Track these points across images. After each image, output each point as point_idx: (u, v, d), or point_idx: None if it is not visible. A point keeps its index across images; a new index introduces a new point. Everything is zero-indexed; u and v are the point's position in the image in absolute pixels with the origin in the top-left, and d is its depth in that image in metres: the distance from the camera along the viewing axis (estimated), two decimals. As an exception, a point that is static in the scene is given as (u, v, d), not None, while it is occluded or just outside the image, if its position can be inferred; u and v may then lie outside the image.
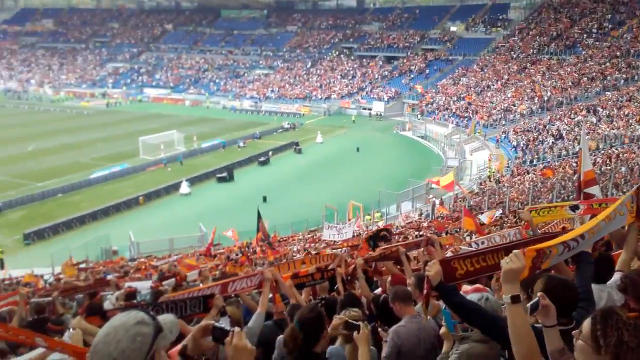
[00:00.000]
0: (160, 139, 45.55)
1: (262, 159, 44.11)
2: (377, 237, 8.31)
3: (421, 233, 18.24)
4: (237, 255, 20.64)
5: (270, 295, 5.08)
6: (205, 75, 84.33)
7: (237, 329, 2.15)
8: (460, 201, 28.88)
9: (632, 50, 50.19)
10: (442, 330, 3.88)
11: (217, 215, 30.40)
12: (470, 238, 13.02)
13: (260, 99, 73.37)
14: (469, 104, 54.91)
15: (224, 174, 39.23)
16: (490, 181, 33.07)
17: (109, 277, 15.70)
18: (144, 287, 11.58)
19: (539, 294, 2.98)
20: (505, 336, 2.73)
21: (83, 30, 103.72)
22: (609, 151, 30.51)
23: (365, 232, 19.15)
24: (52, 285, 16.02)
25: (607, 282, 4.05)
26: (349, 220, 25.69)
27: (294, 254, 18.82)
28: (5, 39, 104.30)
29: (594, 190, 7.95)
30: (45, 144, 47.57)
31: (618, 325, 2.02)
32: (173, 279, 10.12)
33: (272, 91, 74.49)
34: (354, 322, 3.48)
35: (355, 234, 21.84)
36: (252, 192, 35.67)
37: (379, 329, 4.65)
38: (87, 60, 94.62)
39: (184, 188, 35.92)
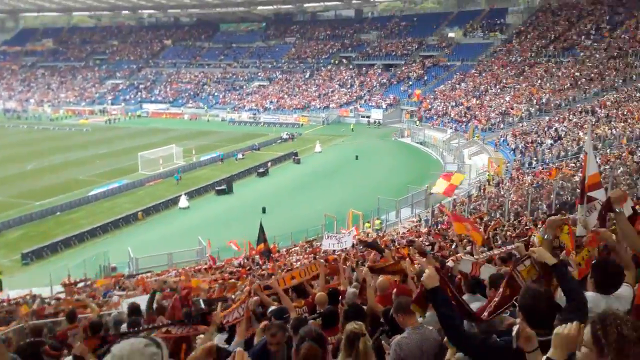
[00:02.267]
0: (159, 153, 45.53)
1: (261, 170, 44.00)
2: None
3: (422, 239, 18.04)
4: (236, 268, 20.50)
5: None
6: (204, 88, 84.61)
7: (239, 349, 2.37)
8: (459, 206, 28.64)
9: (630, 50, 50.04)
10: (445, 338, 3.82)
11: (216, 228, 30.27)
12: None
13: (258, 110, 73.51)
14: (468, 108, 54.81)
15: (223, 187, 39.09)
16: (489, 185, 32.82)
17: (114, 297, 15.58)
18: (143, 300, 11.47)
19: (518, 320, 2.92)
20: (479, 355, 2.88)
21: (83, 48, 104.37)
22: (607, 152, 30.27)
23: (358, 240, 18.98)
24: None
25: (614, 293, 3.81)
26: (349, 229, 25.52)
27: (293, 264, 18.60)
28: (6, 59, 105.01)
29: (598, 194, 7.74)
30: (44, 163, 47.60)
31: (617, 322, 2.07)
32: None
33: (271, 102, 74.61)
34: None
35: (355, 243, 21.67)
36: (251, 203, 35.51)
37: (382, 341, 4.61)
38: (87, 78, 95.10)
39: (183, 202, 35.79)
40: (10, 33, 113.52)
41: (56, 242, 29.25)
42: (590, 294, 3.86)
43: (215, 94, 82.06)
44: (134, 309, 8.12)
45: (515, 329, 3.01)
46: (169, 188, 39.68)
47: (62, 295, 18.47)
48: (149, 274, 22.85)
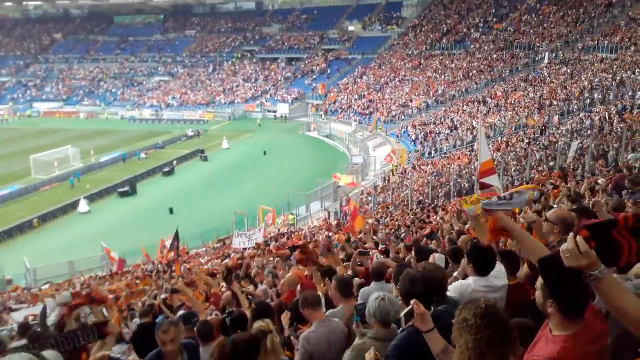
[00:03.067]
0: (54, 155, 42.85)
1: (166, 169, 42.80)
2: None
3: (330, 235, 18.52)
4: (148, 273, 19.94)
5: None
6: (101, 85, 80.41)
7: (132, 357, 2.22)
8: (366, 196, 29.64)
9: (515, 42, 53.86)
10: (354, 326, 4.01)
11: (120, 232, 29.17)
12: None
13: (161, 107, 71.09)
14: (370, 101, 56.49)
15: (126, 188, 37.65)
16: (393, 175, 34.20)
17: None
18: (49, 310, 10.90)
19: (412, 301, 3.06)
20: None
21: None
22: (499, 139, 32.59)
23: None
24: None
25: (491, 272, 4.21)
26: (259, 225, 25.63)
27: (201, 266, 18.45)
28: None
29: (492, 179, 8.18)
30: None
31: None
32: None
33: (174, 98, 72.43)
34: None
35: (268, 238, 21.80)
36: (157, 204, 34.56)
37: (291, 337, 4.69)
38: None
39: (83, 206, 34.05)
40: None
41: (-61, 257, 26.81)
42: (471, 279, 4.31)
43: (113, 90, 78.27)
44: (24, 327, 7.65)
45: (404, 309, 3.07)
46: (66, 192, 37.54)
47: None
48: (46, 286, 21.67)
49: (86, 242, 28.06)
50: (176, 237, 20.50)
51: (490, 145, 30.74)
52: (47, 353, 1.99)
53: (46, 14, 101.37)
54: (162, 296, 9.36)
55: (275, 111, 65.74)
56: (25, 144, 52.23)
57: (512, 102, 39.95)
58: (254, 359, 3.43)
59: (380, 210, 23.23)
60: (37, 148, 46.53)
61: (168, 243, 23.60)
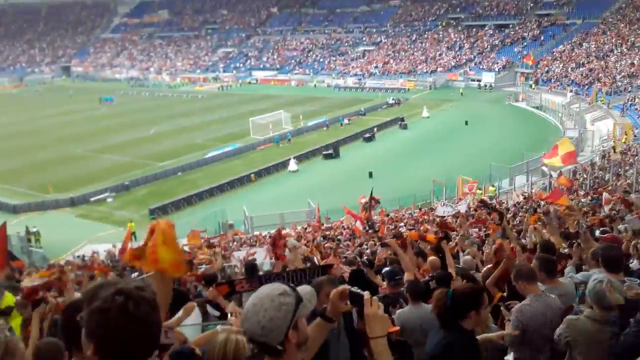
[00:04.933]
0: (269, 118, 46.97)
1: (367, 135, 43.99)
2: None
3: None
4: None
5: None
6: (310, 55, 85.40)
7: (367, 293, 2.26)
8: (581, 173, 26.97)
9: None
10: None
11: (324, 191, 30.89)
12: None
13: (364, 75, 73.05)
14: (590, 70, 50.73)
15: (330, 151, 39.68)
16: (614, 152, 30.43)
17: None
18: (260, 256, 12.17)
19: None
20: None
21: (195, 18, 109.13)
22: None
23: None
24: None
25: None
26: (462, 195, 25.11)
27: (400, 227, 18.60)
28: (126, 31, 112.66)
29: None
30: (165, 127, 50.91)
31: None
32: None
33: (376, 67, 73.78)
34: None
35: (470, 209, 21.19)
36: (358, 168, 35.75)
37: (502, 308, 4.59)
38: (200, 47, 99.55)
39: (292, 165, 36.86)
40: (129, 6, 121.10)
41: (179, 200, 31.46)
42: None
43: (321, 60, 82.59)
44: (252, 268, 8.06)
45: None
46: (278, 152, 40.99)
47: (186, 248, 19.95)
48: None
49: (294, 198, 30.42)
50: (371, 197, 21.08)
51: None
52: (301, 288, 2.04)
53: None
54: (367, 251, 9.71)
55: (479, 80, 62.98)
56: (245, 107, 58.09)
57: None
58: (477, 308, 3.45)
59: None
60: (255, 112, 51.49)
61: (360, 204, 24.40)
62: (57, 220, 29.87)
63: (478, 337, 3.77)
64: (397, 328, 3.54)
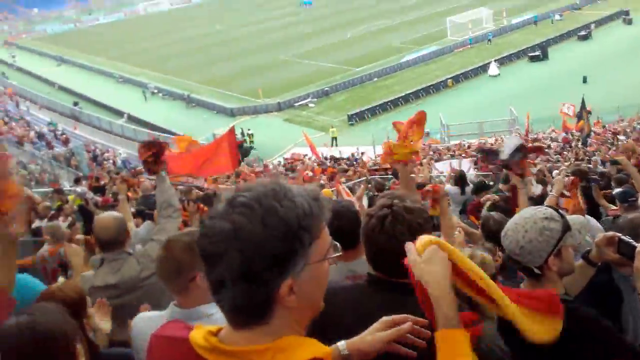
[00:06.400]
0: (468, 17, 44.10)
1: (582, 32, 39.55)
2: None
3: None
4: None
5: None
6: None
7: None
8: None
9: None
10: None
11: (528, 98, 28.78)
12: None
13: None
14: None
15: (537, 53, 36.56)
16: None
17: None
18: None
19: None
20: None
21: None
22: None
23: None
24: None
25: None
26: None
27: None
28: None
29: None
30: (362, 30, 50.88)
31: None
32: None
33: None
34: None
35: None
36: (570, 71, 32.54)
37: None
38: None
39: (493, 69, 34.80)
40: None
41: (375, 106, 32.17)
42: None
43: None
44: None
45: None
46: (478, 54, 38.78)
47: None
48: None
49: (495, 105, 28.96)
50: (583, 107, 18.95)
51: None
52: (572, 218, 1.96)
53: None
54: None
55: None
56: (441, 5, 54.64)
57: None
58: None
59: None
60: (453, 10, 48.61)
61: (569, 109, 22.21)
62: (266, 124, 32.90)
63: None
64: None
